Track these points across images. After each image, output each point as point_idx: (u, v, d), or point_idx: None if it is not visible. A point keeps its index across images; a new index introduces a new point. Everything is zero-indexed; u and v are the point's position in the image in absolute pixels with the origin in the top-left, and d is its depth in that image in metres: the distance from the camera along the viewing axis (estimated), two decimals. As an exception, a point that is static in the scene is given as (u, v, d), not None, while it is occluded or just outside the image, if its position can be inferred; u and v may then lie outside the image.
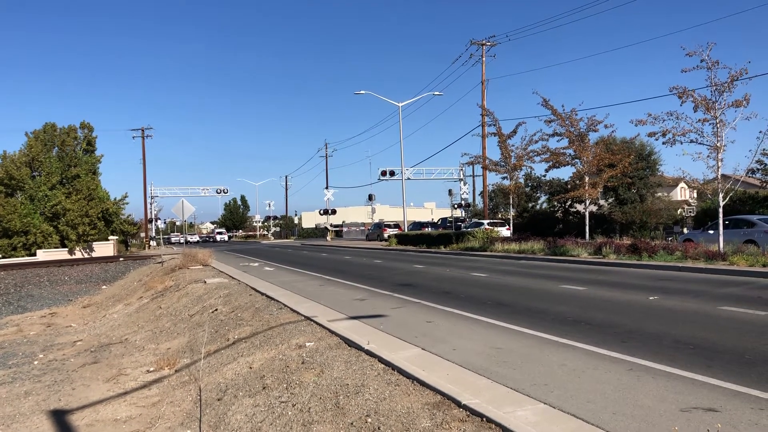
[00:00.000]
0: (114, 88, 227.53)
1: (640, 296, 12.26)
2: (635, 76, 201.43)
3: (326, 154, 79.68)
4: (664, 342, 7.88)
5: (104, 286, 30.89)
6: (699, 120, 19.23)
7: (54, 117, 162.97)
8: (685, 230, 32.57)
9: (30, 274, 35.60)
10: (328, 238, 70.67)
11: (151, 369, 10.85)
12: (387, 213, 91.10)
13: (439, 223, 59.84)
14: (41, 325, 20.51)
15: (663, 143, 20.04)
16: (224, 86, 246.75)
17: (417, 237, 40.20)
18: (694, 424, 4.84)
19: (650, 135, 20.65)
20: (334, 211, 73.30)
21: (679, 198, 54.19)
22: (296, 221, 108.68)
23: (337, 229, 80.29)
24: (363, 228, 72.42)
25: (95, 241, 50.80)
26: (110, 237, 52.92)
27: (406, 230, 49.17)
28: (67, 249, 48.97)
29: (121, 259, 44.26)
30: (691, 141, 19.40)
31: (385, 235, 50.86)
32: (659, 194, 40.22)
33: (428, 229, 50.82)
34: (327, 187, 73.47)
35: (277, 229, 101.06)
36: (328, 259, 31.38)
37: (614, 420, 4.99)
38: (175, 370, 10.27)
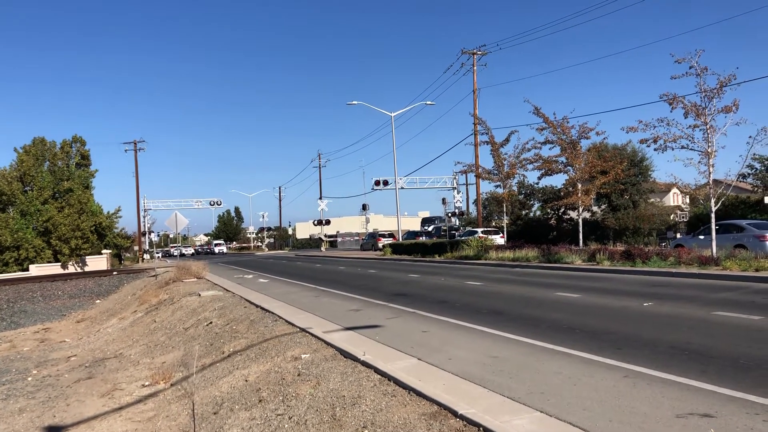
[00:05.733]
0: (106, 102, 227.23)
1: (634, 302, 12.29)
2: (626, 83, 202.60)
3: (319, 165, 79.76)
4: (659, 348, 7.90)
5: (98, 301, 30.76)
6: (689, 126, 19.41)
7: (44, 131, 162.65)
8: (678, 235, 32.70)
9: (23, 290, 35.47)
10: (323, 248, 70.64)
11: (147, 383, 10.81)
12: (381, 222, 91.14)
13: (424, 226, 60.33)
14: (35, 341, 20.39)
15: (654, 150, 20.23)
16: (216, 99, 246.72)
17: (411, 246, 40.21)
18: (690, 429, 4.85)
19: (642, 142, 20.84)
20: (328, 222, 73.35)
21: (671, 203, 54.39)
22: (290, 232, 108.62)
23: (332, 239, 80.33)
24: (357, 238, 72.49)
25: (88, 255, 50.60)
26: (103, 251, 52.72)
27: (400, 239, 49.17)
28: (60, 263, 48.74)
29: (114, 272, 44.14)
30: (683, 147, 19.57)
31: (380, 245, 50.88)
32: (652, 200, 40.44)
33: (423, 238, 50.86)
34: (321, 198, 73.48)
35: (272, 240, 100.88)
36: (323, 269, 31.35)
37: (611, 427, 5.00)
38: (171, 384, 10.23)
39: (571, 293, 14.38)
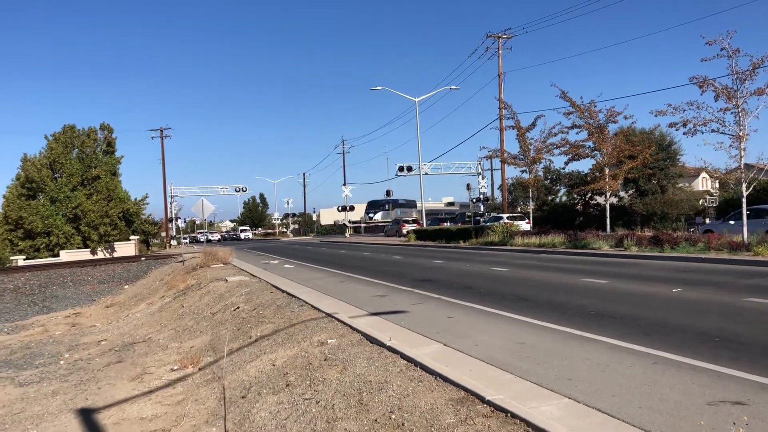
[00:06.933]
0: (132, 89, 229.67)
1: (662, 288, 12.15)
2: (655, 66, 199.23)
3: (343, 151, 79.93)
4: (689, 334, 7.80)
5: (126, 286, 31.24)
6: (720, 109, 19.00)
7: (73, 119, 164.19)
8: (707, 221, 32.20)
9: (54, 275, 36.10)
10: (347, 234, 70.80)
11: (175, 367, 10.96)
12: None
13: (369, 212, 59.95)
14: (66, 325, 20.80)
15: (684, 133, 19.85)
16: (241, 85, 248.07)
17: (436, 232, 40.13)
18: (721, 417, 4.79)
19: (671, 125, 20.46)
20: (352, 208, 73.42)
21: (700, 188, 53.58)
22: (315, 218, 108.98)
23: (356, 225, 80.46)
24: (382, 224, 72.47)
25: (116, 241, 51.35)
26: (131, 237, 53.45)
27: (424, 225, 49.10)
28: (89, 249, 49.55)
29: (142, 258, 44.67)
30: (713, 131, 19.18)
31: (404, 231, 50.84)
32: (680, 185, 39.84)
33: (447, 224, 50.72)
34: (345, 184, 73.64)
35: (296, 226, 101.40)
36: (347, 255, 31.44)
37: (640, 414, 4.95)
38: (199, 369, 10.36)
39: (599, 279, 14.25)
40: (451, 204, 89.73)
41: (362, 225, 71.18)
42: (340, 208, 73.25)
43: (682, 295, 11.29)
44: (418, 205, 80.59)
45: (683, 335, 7.78)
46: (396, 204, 73.75)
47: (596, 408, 5.15)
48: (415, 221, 55.67)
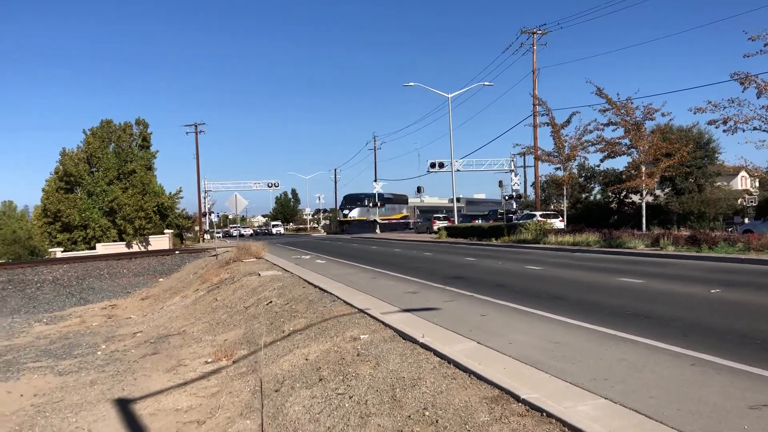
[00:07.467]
0: (167, 85, 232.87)
1: (700, 289, 11.92)
2: (693, 62, 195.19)
3: (374, 147, 79.82)
4: (728, 336, 7.64)
5: (161, 279, 31.70)
6: (763, 106, 18.61)
7: (109, 114, 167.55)
8: (746, 220, 31.52)
9: (90, 267, 36.77)
10: (378, 230, 70.83)
11: (209, 360, 11.10)
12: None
13: (345, 209, 58.33)
14: (102, 317, 21.21)
15: (723, 131, 19.55)
16: (274, 81, 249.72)
17: (467, 229, 39.95)
18: (765, 421, 4.68)
19: (710, 123, 20.14)
20: (383, 204, 73.41)
21: (739, 187, 52.42)
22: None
23: (386, 221, 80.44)
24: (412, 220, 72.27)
25: (151, 234, 52.12)
26: (165, 230, 54.20)
27: (456, 222, 48.88)
28: (124, 242, 50.40)
29: (176, 252, 45.20)
30: (755, 128, 18.82)
31: (435, 228, 50.70)
32: (718, 183, 39.02)
33: (479, 221, 50.43)
34: (376, 180, 73.51)
35: (327, 221, 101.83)
36: (378, 251, 31.47)
37: (679, 416, 4.86)
38: (233, 361, 10.47)
39: (634, 279, 14.04)
40: (457, 200, 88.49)
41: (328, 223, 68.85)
42: (372, 204, 73.29)
43: (721, 296, 11.06)
44: (410, 201, 78.94)
45: (722, 337, 7.62)
46: (380, 199, 72.43)
47: (633, 409, 5.07)
48: (446, 218, 55.46)
